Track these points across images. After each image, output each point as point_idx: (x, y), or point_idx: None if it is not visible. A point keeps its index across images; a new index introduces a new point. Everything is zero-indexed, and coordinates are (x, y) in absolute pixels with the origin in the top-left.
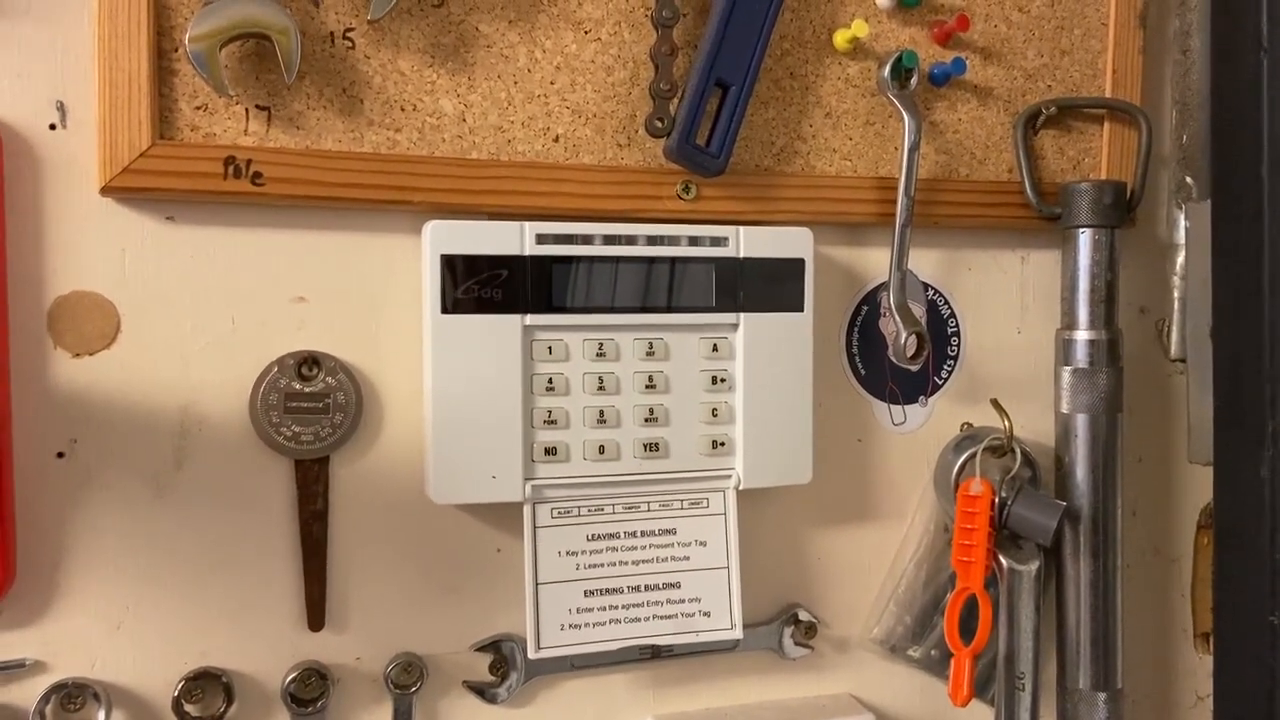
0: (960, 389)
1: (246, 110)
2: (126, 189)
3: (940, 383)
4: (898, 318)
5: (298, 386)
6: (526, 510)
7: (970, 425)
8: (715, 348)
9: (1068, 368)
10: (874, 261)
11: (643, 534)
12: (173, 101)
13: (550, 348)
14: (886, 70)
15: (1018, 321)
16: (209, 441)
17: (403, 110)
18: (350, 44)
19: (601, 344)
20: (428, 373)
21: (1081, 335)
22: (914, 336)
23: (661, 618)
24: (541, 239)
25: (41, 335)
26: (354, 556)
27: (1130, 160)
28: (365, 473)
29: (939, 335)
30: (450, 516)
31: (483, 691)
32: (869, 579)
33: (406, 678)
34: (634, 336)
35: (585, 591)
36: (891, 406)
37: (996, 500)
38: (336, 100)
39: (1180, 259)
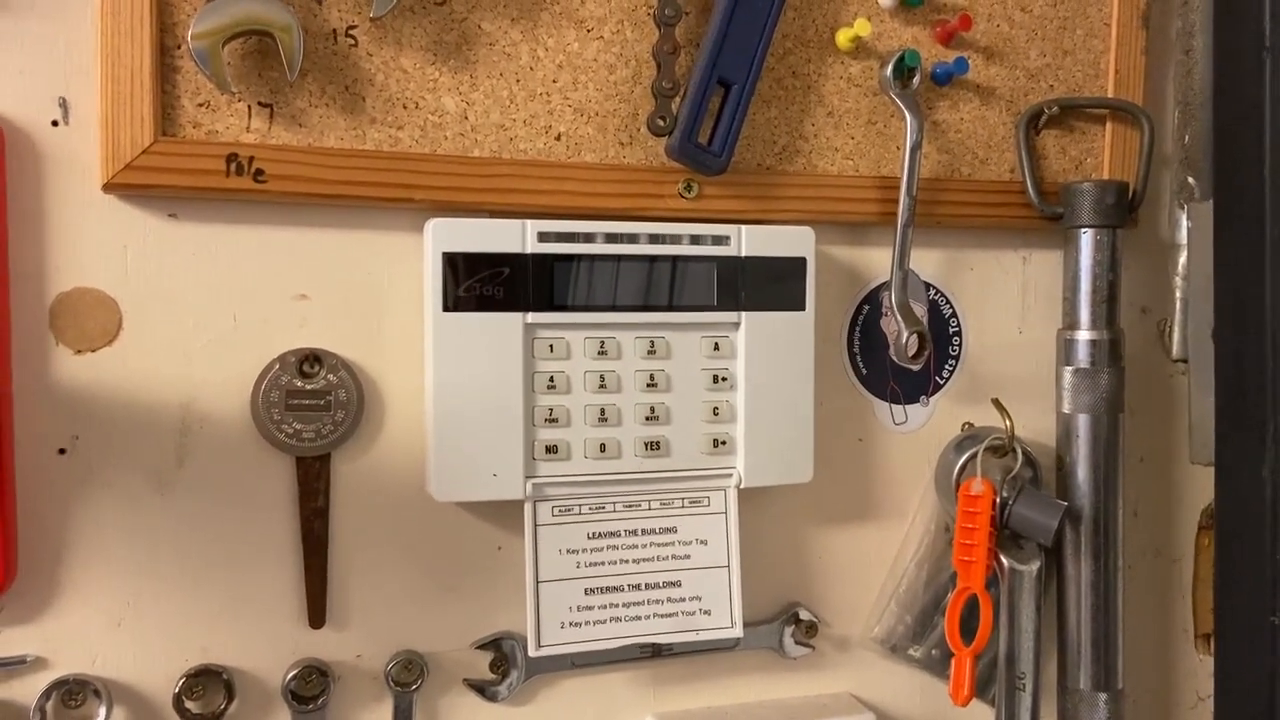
0: (961, 389)
1: (249, 107)
2: (129, 186)
3: (941, 382)
4: (899, 317)
5: (299, 384)
6: (527, 508)
7: (971, 425)
8: (716, 346)
9: (1069, 368)
10: (875, 261)
11: (643, 532)
12: (175, 98)
13: (552, 346)
14: (889, 69)
15: (1019, 321)
16: (210, 438)
17: (405, 108)
18: (353, 41)
19: (603, 342)
20: (429, 370)
21: (1083, 335)
22: (915, 336)
23: (662, 616)
24: (543, 237)
25: (43, 332)
26: (355, 554)
27: (1132, 160)
28: (366, 470)
29: (940, 335)
30: (451, 514)
31: (483, 689)
32: (870, 578)
33: (407, 675)
34: (635, 335)
35: (586, 590)
36: (893, 406)
37: (998, 500)
38: (339, 98)
39: (1182, 259)
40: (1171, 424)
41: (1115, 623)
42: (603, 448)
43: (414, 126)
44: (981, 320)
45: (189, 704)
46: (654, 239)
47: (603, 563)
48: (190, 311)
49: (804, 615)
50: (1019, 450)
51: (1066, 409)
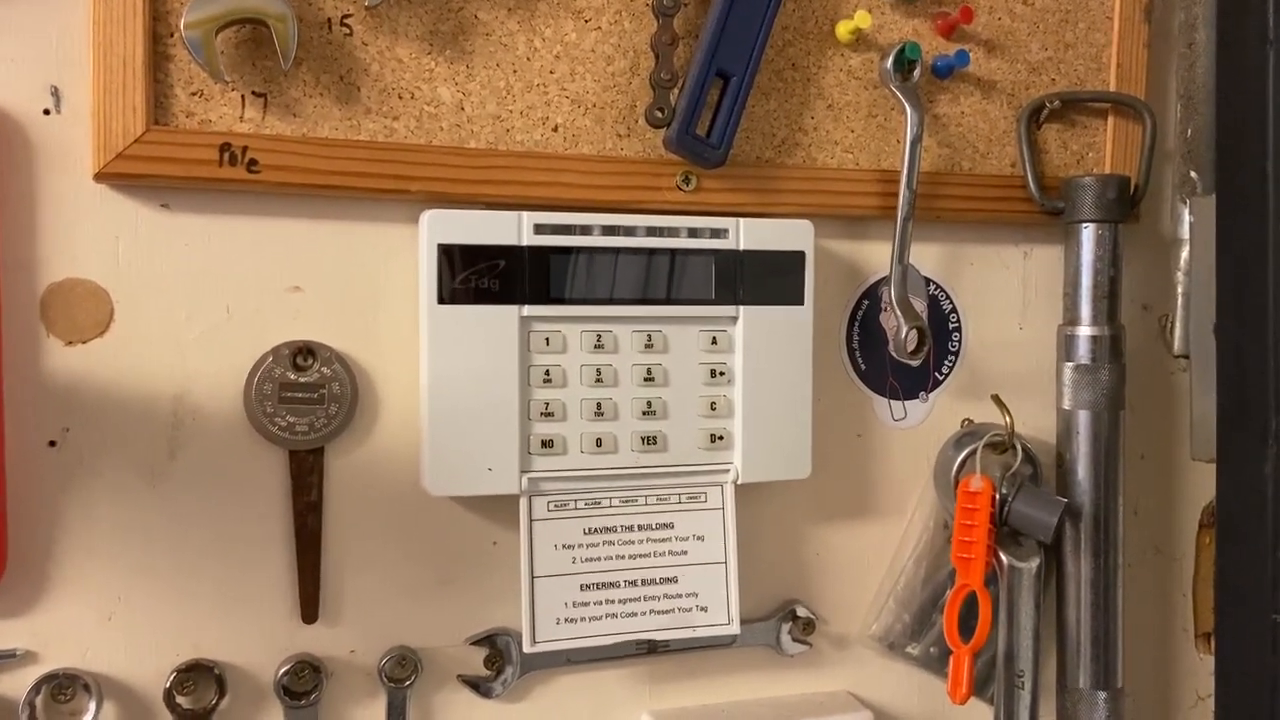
0: (961, 384)
1: (242, 97)
2: (121, 175)
3: (941, 378)
4: (899, 312)
5: (293, 376)
6: (523, 503)
7: (971, 421)
8: (714, 340)
9: (1070, 364)
10: (875, 255)
11: (640, 528)
12: (168, 87)
13: (548, 339)
14: (889, 62)
15: (1019, 317)
16: (203, 431)
17: (400, 98)
18: (348, 30)
19: (600, 336)
20: (424, 363)
21: (1084, 331)
22: (915, 331)
23: (658, 613)
24: (540, 229)
25: (34, 323)
26: (348, 548)
27: (1134, 155)
28: (360, 464)
29: (940, 330)
30: (446, 509)
31: (478, 685)
32: (868, 575)
33: (401, 671)
34: (632, 329)
35: (582, 585)
36: (892, 402)
37: (997, 497)
38: (333, 87)
39: (1184, 254)
40: (1172, 421)
41: (1115, 621)
42: (599, 442)
43: (409, 117)
44: (981, 316)
45: (180, 699)
46: (651, 232)
47: (599, 558)
48: (183, 303)
49: (801, 612)
50: (1019, 447)
51: (1067, 405)
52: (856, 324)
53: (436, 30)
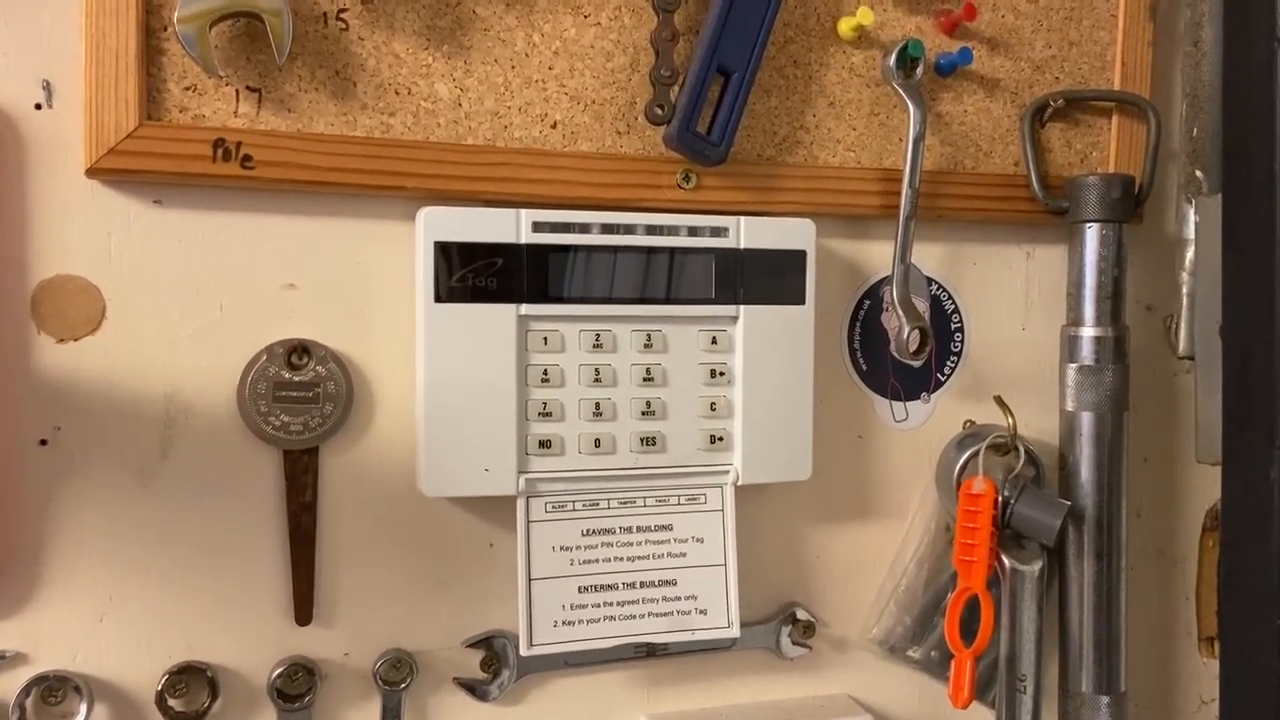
0: (963, 386)
1: (237, 92)
2: (113, 171)
3: (943, 379)
4: (901, 312)
5: (287, 375)
6: (520, 504)
7: (973, 423)
8: (714, 340)
9: (1073, 364)
10: (877, 255)
11: (639, 529)
12: (161, 82)
13: (546, 338)
14: (892, 59)
15: (1022, 318)
16: (195, 430)
17: (397, 94)
18: (344, 25)
19: (598, 335)
20: (420, 363)
21: (1087, 332)
22: (917, 331)
23: (657, 615)
24: (538, 227)
25: (24, 320)
26: (343, 549)
27: (1138, 154)
28: (355, 464)
29: (942, 331)
30: (442, 509)
31: (474, 689)
32: (869, 578)
33: (396, 674)
34: (631, 328)
35: (579, 588)
36: (893, 403)
37: (999, 499)
38: (329, 83)
39: (1189, 254)
40: (1175, 423)
41: (1118, 625)
42: (597, 443)
43: (406, 113)
44: (984, 316)
45: (172, 702)
46: (651, 230)
47: (597, 560)
48: (175, 300)
49: (801, 615)
50: (1021, 449)
51: (1070, 407)
52: (858, 324)
53: (434, 25)
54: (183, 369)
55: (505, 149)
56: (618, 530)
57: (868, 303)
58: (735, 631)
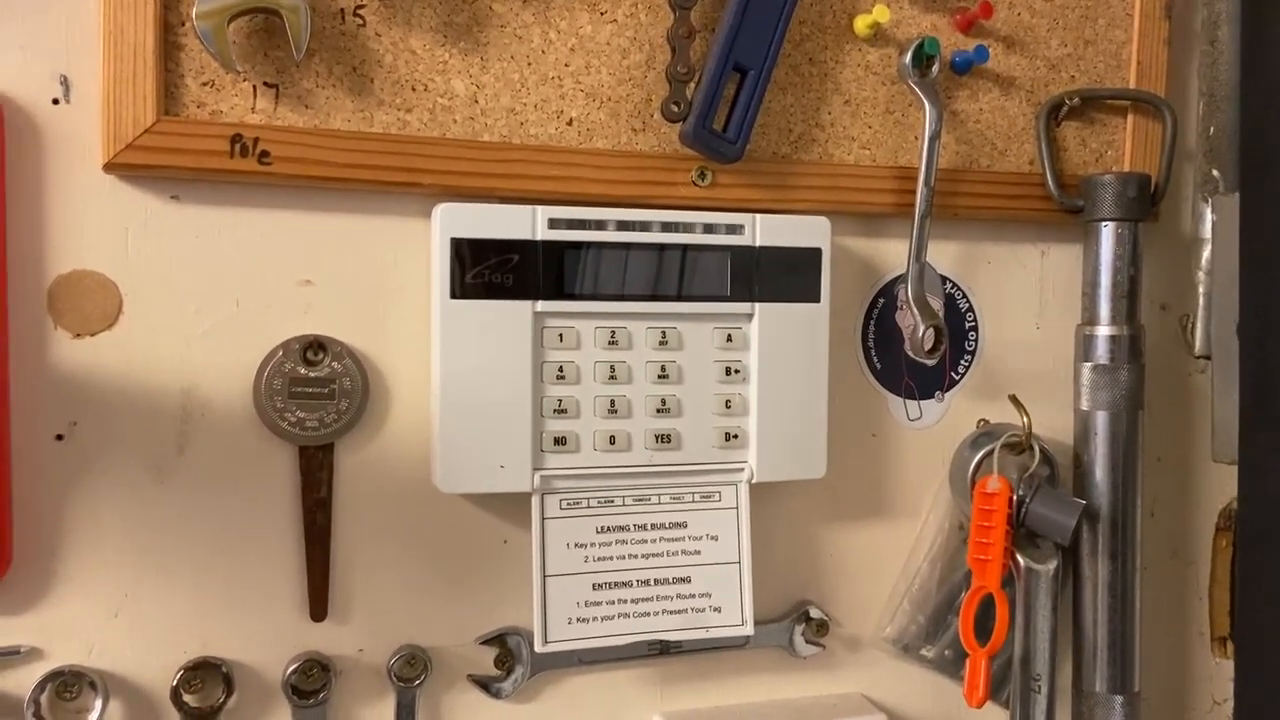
0: (977, 384)
1: (254, 87)
2: (130, 166)
3: (957, 378)
4: (916, 311)
5: (303, 371)
6: (535, 501)
7: (987, 421)
8: (729, 338)
9: (1088, 364)
10: (891, 253)
11: (653, 527)
12: (179, 77)
13: (561, 335)
14: (908, 57)
15: (1037, 317)
16: (211, 426)
17: (414, 90)
18: (361, 21)
19: (613, 332)
20: (436, 359)
21: (1103, 331)
22: (932, 330)
23: (671, 613)
24: (554, 224)
25: (41, 315)
26: (358, 546)
27: (1154, 153)
28: (370, 460)
29: (957, 329)
30: (457, 506)
31: (488, 686)
32: (882, 577)
33: (410, 670)
34: (647, 325)
35: (594, 585)
36: (907, 401)
37: (1014, 498)
38: (346, 79)
39: (1205, 253)
40: (1189, 423)
41: (1132, 625)
42: (612, 440)
43: (423, 109)
44: (999, 315)
45: (187, 697)
46: (666, 227)
47: (611, 557)
48: (192, 296)
49: (815, 614)
50: (1036, 447)
51: (1085, 406)
52: (872, 322)
53: (451, 22)
54: (199, 364)
55: (521, 146)
56: (632, 527)
57: (882, 301)
58: (749, 629)
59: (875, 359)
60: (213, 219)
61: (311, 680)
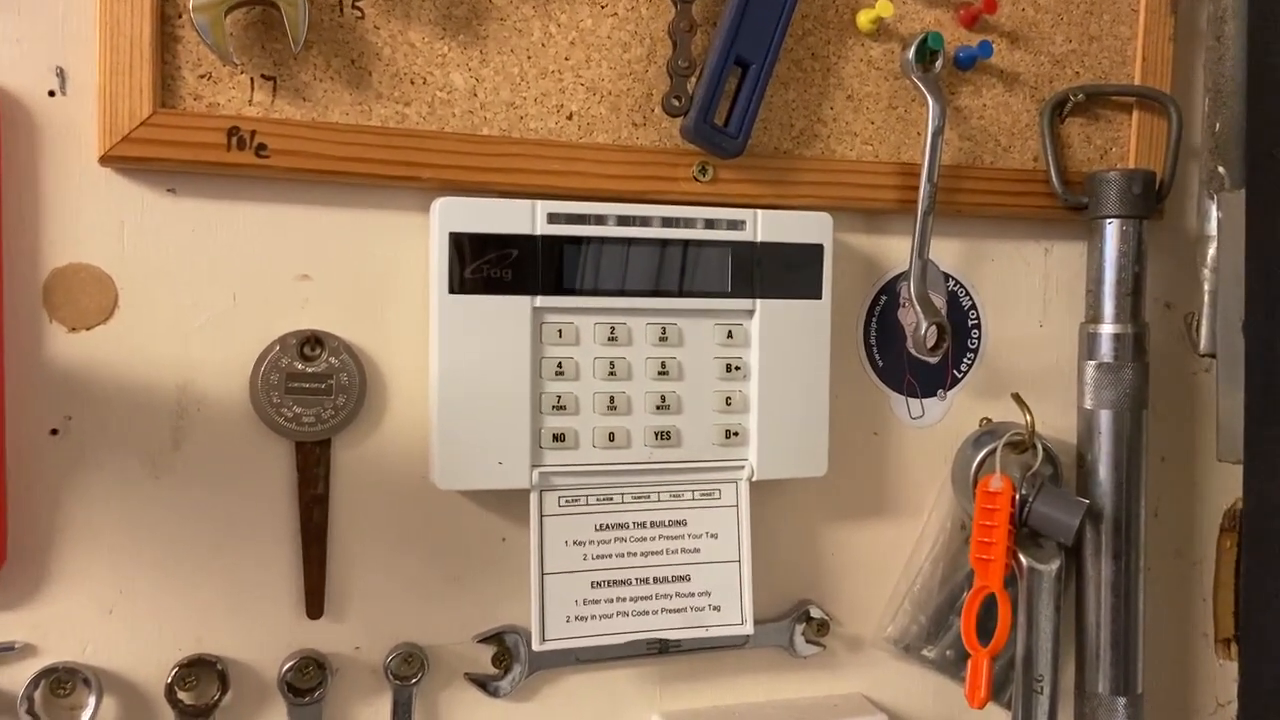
0: (980, 383)
1: (251, 80)
2: (126, 159)
3: (959, 376)
4: (918, 308)
5: (300, 366)
6: (533, 498)
7: (990, 420)
8: (730, 334)
9: (1092, 362)
10: (894, 250)
11: (652, 525)
12: (175, 69)
13: (560, 331)
14: (911, 52)
15: (1040, 314)
16: (208, 421)
17: (412, 83)
18: (359, 14)
19: (613, 328)
20: (434, 354)
21: (1107, 329)
22: (934, 327)
23: (670, 611)
24: (553, 218)
25: (37, 308)
26: (355, 543)
27: (1158, 149)
28: (368, 456)
29: (959, 327)
30: (454, 503)
31: (485, 684)
32: (884, 576)
33: (407, 668)
34: (646, 321)
35: (592, 583)
36: (909, 399)
37: (1017, 497)
38: (344, 71)
39: (1211, 251)
40: (1193, 423)
41: (1135, 625)
42: (611, 437)
43: (421, 103)
44: (1002, 312)
45: (181, 694)
46: (667, 222)
47: (610, 555)
48: (188, 290)
49: (815, 613)
50: (1039, 446)
51: (1088, 405)
52: (874, 320)
53: (450, 15)
54: (195, 359)
55: (521, 140)
56: (631, 525)
57: (884, 298)
58: (749, 629)
59: (877, 356)
60: (209, 212)
61: (307, 678)
